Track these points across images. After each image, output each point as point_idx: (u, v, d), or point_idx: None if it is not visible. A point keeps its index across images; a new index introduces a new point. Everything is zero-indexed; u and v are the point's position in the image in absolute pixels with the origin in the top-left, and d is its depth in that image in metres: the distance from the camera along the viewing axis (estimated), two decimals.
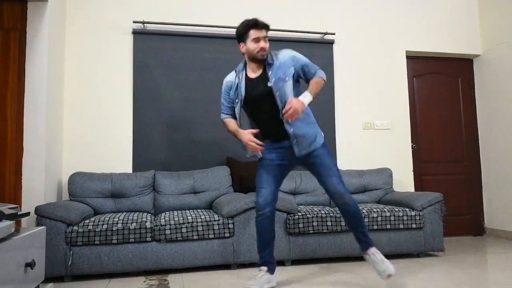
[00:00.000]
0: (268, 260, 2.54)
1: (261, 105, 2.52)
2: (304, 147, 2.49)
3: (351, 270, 3.01)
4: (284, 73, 2.48)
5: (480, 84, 4.75)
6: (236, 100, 2.59)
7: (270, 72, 2.49)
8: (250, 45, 2.49)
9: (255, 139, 2.47)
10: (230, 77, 2.66)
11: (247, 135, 2.49)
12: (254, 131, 2.51)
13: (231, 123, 2.65)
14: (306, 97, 2.41)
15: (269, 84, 2.46)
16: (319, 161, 2.53)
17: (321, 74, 2.53)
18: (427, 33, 4.59)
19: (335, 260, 3.32)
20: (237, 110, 2.61)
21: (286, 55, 2.55)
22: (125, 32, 3.85)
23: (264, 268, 2.51)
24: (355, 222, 2.54)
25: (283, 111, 2.35)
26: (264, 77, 2.51)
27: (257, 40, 2.47)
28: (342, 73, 4.30)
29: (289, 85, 2.47)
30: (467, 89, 4.78)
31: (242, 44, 2.55)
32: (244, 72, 2.59)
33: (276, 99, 2.45)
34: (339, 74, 4.29)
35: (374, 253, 2.50)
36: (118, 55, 3.82)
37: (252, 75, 2.56)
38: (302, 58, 2.56)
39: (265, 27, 2.52)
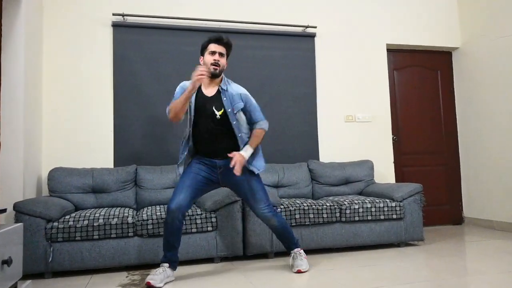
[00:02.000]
0: (173, 259, 2.59)
1: (206, 121, 2.62)
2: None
3: (332, 261, 3.06)
4: (234, 106, 2.64)
5: (459, 76, 4.83)
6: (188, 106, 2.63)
7: (224, 98, 2.63)
8: (206, 57, 2.63)
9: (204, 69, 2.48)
10: (188, 83, 2.61)
11: (195, 72, 2.45)
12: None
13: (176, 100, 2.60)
14: (247, 151, 2.62)
15: (217, 115, 2.60)
16: (247, 186, 2.69)
17: (264, 126, 2.72)
18: (407, 26, 4.65)
19: (317, 252, 3.36)
20: (189, 119, 2.66)
21: (237, 90, 2.70)
22: (105, 24, 3.79)
23: (166, 265, 2.56)
24: (286, 237, 2.81)
25: (232, 165, 2.52)
26: (216, 99, 2.63)
27: (213, 53, 2.61)
28: (324, 66, 4.32)
29: (241, 116, 2.69)
30: (446, 82, 4.86)
31: (201, 58, 2.69)
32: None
33: (234, 127, 2.62)
34: (321, 67, 4.30)
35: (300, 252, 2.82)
36: (97, 48, 3.76)
37: (205, 91, 2.67)
38: (253, 103, 2.73)
39: (225, 44, 2.65)
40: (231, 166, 2.53)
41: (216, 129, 2.63)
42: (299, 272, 2.70)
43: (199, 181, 2.63)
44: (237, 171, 2.53)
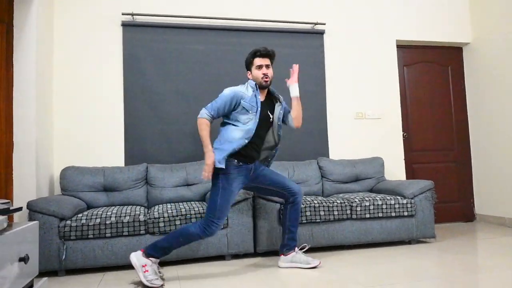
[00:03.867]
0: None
1: (261, 129, 2.73)
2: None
3: (343, 258, 3.05)
4: (281, 114, 2.84)
5: (469, 72, 4.78)
6: (251, 111, 2.65)
7: (278, 107, 2.83)
8: (254, 72, 2.74)
9: (211, 168, 2.56)
10: (244, 89, 2.71)
11: (211, 159, 2.54)
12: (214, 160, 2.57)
13: (208, 130, 2.63)
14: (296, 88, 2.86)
15: (271, 117, 2.79)
16: (268, 171, 2.83)
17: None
18: (417, 22, 4.61)
19: (328, 249, 3.35)
20: (250, 124, 2.65)
21: (283, 102, 2.90)
22: (115, 24, 3.81)
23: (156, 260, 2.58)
24: (299, 218, 2.86)
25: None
26: (269, 104, 2.80)
27: (260, 67, 2.71)
28: (333, 63, 4.30)
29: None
30: (457, 78, 4.81)
31: (248, 73, 2.79)
32: (257, 92, 2.74)
33: (274, 130, 2.81)
34: (330, 65, 4.29)
35: (298, 251, 2.86)
36: (107, 47, 3.78)
37: (261, 98, 2.76)
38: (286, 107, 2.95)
39: (268, 55, 2.75)
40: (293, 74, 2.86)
41: (265, 134, 2.77)
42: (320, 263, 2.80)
43: (235, 195, 2.68)
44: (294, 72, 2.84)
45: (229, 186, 2.59)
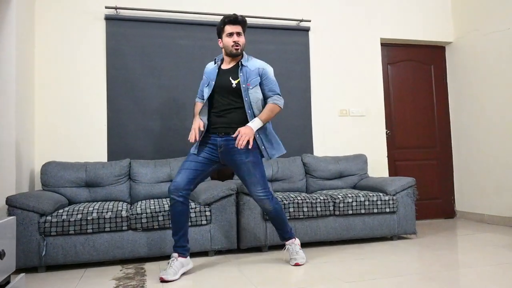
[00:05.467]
0: (180, 244, 2.59)
1: (222, 92, 2.67)
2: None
3: (326, 254, 3.08)
4: (250, 82, 2.63)
5: (452, 71, 4.85)
6: (206, 85, 2.73)
7: (241, 73, 2.66)
8: (225, 40, 2.66)
9: (198, 130, 2.58)
10: (210, 65, 2.81)
11: (197, 123, 2.61)
12: (202, 124, 2.62)
13: (197, 106, 2.80)
14: (254, 123, 2.57)
15: (233, 83, 2.64)
16: (245, 168, 2.65)
17: (278, 101, 2.68)
18: (401, 20, 4.65)
19: (311, 245, 3.38)
20: (205, 95, 2.72)
21: (256, 65, 2.69)
22: (98, 18, 3.76)
23: (175, 255, 2.57)
24: (278, 224, 2.80)
25: (234, 136, 2.54)
26: (233, 71, 2.68)
27: (230, 35, 2.63)
28: (318, 60, 4.32)
29: (256, 94, 2.65)
30: (440, 76, 4.88)
31: (220, 40, 2.72)
32: (220, 63, 2.76)
33: (245, 103, 2.63)
34: (315, 61, 4.30)
35: (296, 243, 2.85)
36: (90, 41, 3.73)
37: (224, 66, 2.73)
38: (269, 76, 2.70)
39: (240, 22, 2.67)
40: (233, 136, 2.55)
41: (229, 101, 2.65)
42: (297, 265, 2.73)
43: (199, 162, 2.63)
44: (239, 144, 2.47)
45: (190, 152, 2.71)
